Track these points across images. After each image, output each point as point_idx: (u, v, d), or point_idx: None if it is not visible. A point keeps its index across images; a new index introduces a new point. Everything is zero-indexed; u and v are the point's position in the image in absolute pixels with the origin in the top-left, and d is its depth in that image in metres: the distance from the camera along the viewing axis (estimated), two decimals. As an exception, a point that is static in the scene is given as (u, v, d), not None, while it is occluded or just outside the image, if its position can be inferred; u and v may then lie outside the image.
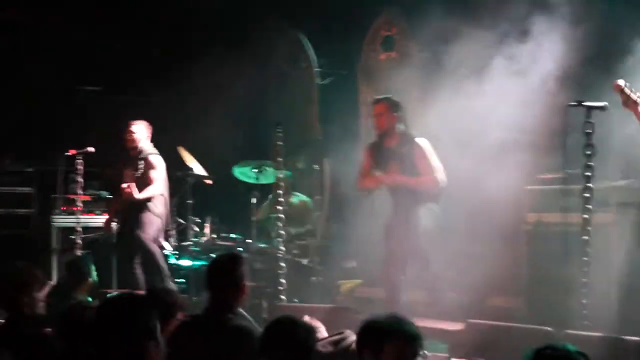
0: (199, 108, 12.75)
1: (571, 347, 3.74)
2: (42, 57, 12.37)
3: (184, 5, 12.64)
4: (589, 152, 6.89)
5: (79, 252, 10.37)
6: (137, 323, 3.72)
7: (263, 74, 12.99)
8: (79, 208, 10.90)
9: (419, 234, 8.62)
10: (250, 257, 10.02)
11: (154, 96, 12.72)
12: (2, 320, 5.87)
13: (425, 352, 4.46)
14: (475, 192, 8.85)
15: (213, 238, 11.35)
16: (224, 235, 11.47)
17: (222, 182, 11.60)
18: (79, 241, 10.60)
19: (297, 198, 11.55)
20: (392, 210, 9.01)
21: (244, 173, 11.19)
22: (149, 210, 10.24)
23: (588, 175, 6.91)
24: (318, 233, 11.76)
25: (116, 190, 10.54)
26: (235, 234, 11.45)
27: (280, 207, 9.66)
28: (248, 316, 5.52)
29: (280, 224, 9.67)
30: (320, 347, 5.06)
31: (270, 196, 11.24)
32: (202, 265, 10.57)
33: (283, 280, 9.52)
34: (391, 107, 8.94)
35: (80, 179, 10.71)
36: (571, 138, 7.08)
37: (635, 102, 6.92)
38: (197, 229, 11.43)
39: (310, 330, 4.64)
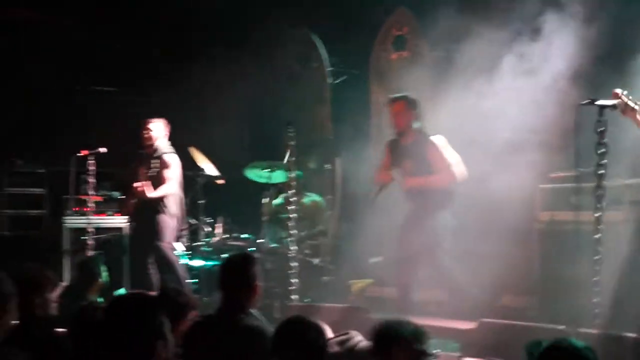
0: (210, 108, 12.76)
1: (577, 342, 3.74)
2: (48, 56, 12.38)
3: (187, 5, 12.66)
4: (601, 151, 6.86)
5: (90, 253, 10.37)
6: (145, 322, 3.72)
7: (274, 74, 12.99)
8: (90, 209, 10.91)
9: (434, 233, 8.61)
10: (262, 257, 10.01)
11: (164, 97, 12.73)
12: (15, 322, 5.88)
13: (439, 350, 4.47)
14: (487, 191, 8.82)
15: (224, 238, 11.37)
16: (235, 235, 11.48)
17: (234, 182, 11.60)
18: (91, 242, 10.61)
19: (309, 198, 11.54)
20: (407, 209, 9.01)
21: (256, 173, 11.19)
22: (163, 212, 10.21)
23: (600, 174, 6.88)
24: (329, 233, 11.77)
25: (128, 188, 10.52)
26: (246, 234, 11.46)
27: (291, 207, 9.66)
28: (260, 316, 5.51)
29: (291, 224, 9.67)
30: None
31: (281, 195, 11.23)
32: (214, 265, 10.58)
33: (294, 280, 9.52)
34: (408, 105, 8.94)
35: (91, 180, 10.72)
36: (583, 136, 7.05)
37: (633, 110, 6.95)
38: (208, 229, 11.44)
39: (321, 331, 4.63)
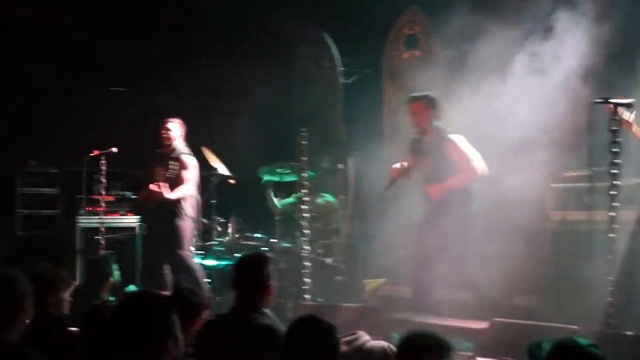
0: (223, 108, 12.78)
1: (582, 340, 3.75)
2: (58, 57, 12.41)
3: (201, 5, 12.68)
4: (615, 150, 6.85)
5: (101, 252, 10.37)
6: (155, 320, 3.72)
7: (287, 74, 12.99)
8: (103, 208, 10.92)
9: (453, 232, 8.61)
10: (275, 257, 10.01)
11: (177, 97, 12.76)
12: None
13: (459, 350, 4.49)
14: (499, 191, 8.81)
15: (237, 238, 11.38)
16: (248, 234, 11.50)
17: (246, 182, 11.61)
18: (103, 241, 10.63)
19: (323, 199, 11.55)
20: (425, 208, 9.02)
21: (270, 172, 11.23)
22: (180, 215, 10.10)
23: (614, 173, 6.87)
24: (342, 232, 11.77)
25: (142, 187, 10.43)
26: (259, 233, 11.47)
27: (304, 207, 9.67)
28: (274, 316, 5.51)
29: (304, 224, 9.68)
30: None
31: (293, 195, 11.25)
32: (227, 265, 10.59)
33: (307, 280, 9.53)
34: (428, 104, 8.93)
35: (103, 180, 10.73)
36: (595, 135, 7.04)
37: (628, 122, 6.94)
38: (221, 228, 11.45)
39: (333, 329, 4.63)
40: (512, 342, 6.81)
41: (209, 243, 11.23)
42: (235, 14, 12.56)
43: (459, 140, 8.75)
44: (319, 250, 10.92)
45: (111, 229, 11.39)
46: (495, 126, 8.80)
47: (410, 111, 9.07)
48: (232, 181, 11.48)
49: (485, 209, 8.95)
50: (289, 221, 11.06)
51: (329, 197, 11.66)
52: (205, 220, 11.32)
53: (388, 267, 10.50)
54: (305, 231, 9.69)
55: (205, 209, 11.21)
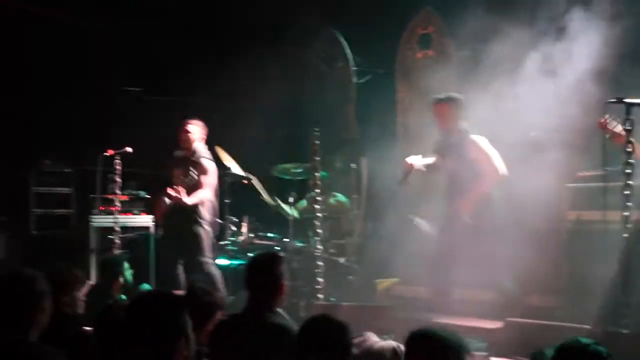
0: (237, 108, 12.79)
1: (585, 339, 3.76)
2: (75, 56, 12.46)
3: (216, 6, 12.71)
4: (629, 149, 6.83)
5: (114, 252, 10.37)
6: (167, 319, 3.74)
7: (300, 74, 12.99)
8: (117, 208, 10.92)
9: (472, 231, 8.60)
10: (288, 256, 10.02)
11: (190, 96, 12.77)
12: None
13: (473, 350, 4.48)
14: (514, 191, 8.80)
15: (250, 237, 11.38)
16: (261, 234, 11.50)
17: (260, 181, 11.60)
18: (117, 241, 10.63)
19: (335, 198, 11.55)
20: (446, 208, 9.02)
21: (284, 172, 11.25)
22: (198, 221, 9.99)
23: (628, 173, 6.85)
24: (355, 232, 11.78)
25: (161, 190, 10.26)
26: (272, 233, 11.48)
27: (317, 207, 9.67)
28: (287, 316, 5.52)
29: (317, 223, 9.69)
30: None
31: (307, 196, 11.27)
32: (240, 264, 10.60)
33: (320, 279, 9.53)
34: (452, 106, 8.92)
35: (118, 179, 10.74)
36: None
37: (620, 135, 6.92)
38: (234, 228, 11.46)
39: (346, 329, 4.63)
40: (526, 342, 6.80)
41: (222, 243, 11.23)
42: (261, 15, 12.55)
43: (481, 141, 8.75)
44: (332, 250, 10.93)
45: (125, 229, 11.41)
46: (509, 126, 8.79)
47: (434, 112, 9.07)
48: (246, 181, 11.42)
49: (500, 209, 8.95)
50: (303, 221, 11.07)
51: (341, 197, 11.66)
52: (218, 220, 11.31)
53: (400, 266, 10.50)
54: (318, 231, 9.69)
55: (219, 208, 11.21)
